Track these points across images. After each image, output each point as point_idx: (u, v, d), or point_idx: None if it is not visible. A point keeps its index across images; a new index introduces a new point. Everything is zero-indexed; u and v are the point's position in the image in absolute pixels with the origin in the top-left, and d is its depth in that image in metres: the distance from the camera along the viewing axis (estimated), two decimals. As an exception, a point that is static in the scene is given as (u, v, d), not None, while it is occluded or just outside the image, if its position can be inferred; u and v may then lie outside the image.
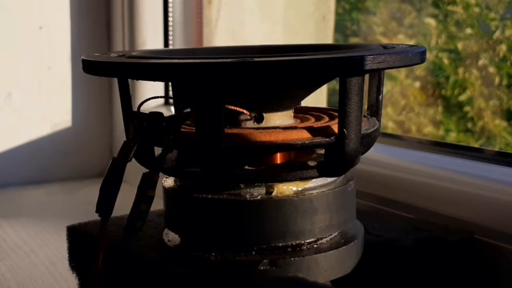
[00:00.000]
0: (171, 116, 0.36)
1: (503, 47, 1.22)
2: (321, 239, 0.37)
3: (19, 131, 0.94)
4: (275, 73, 0.31)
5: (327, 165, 0.36)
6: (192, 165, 0.36)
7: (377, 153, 0.55)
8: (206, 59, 0.32)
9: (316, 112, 0.43)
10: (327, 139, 0.35)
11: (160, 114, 0.34)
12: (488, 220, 0.48)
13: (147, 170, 0.35)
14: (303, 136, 0.35)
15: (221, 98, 0.32)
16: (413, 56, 0.35)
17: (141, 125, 0.34)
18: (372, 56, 0.32)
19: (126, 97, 0.38)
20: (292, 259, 0.35)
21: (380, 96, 0.41)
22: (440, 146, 0.61)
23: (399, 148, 0.61)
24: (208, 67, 0.31)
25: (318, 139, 0.35)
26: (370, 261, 0.40)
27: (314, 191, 0.36)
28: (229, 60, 0.31)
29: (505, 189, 0.49)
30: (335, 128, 0.35)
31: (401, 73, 1.36)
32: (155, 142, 0.35)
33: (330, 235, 0.38)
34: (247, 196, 0.35)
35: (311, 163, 0.37)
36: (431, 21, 1.35)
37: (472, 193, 0.51)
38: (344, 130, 0.34)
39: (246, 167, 0.36)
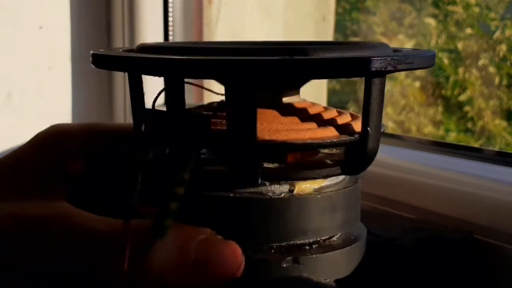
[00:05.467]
0: (202, 115, 0.36)
1: (503, 47, 1.22)
2: (334, 236, 0.37)
3: (19, 131, 0.94)
4: (314, 71, 0.31)
5: (349, 163, 0.36)
6: (219, 163, 0.35)
7: (377, 153, 0.55)
8: (247, 56, 0.31)
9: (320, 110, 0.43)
10: (351, 137, 0.35)
11: (199, 113, 0.34)
12: (488, 220, 0.48)
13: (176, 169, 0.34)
14: (330, 134, 0.35)
15: (255, 95, 0.32)
16: (430, 57, 0.36)
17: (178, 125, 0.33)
18: (398, 57, 0.33)
19: (140, 93, 0.37)
20: (314, 255, 0.35)
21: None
22: (440, 146, 0.61)
23: (399, 148, 0.61)
24: (255, 65, 0.30)
25: (345, 137, 0.35)
26: (370, 260, 0.40)
27: (331, 189, 0.36)
28: (275, 58, 0.31)
29: (505, 189, 0.49)
30: (355, 126, 0.36)
31: (401, 73, 1.36)
32: (185, 142, 0.34)
33: (344, 232, 0.37)
34: (270, 194, 0.35)
35: (330, 162, 0.37)
36: (431, 21, 1.35)
37: (472, 193, 0.51)
38: (368, 128, 0.35)
39: (265, 164, 0.36)
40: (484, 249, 0.47)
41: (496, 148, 1.24)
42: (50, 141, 0.37)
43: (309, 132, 0.35)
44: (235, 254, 0.31)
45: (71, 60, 0.95)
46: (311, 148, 0.36)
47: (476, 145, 1.25)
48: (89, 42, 0.97)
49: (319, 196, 0.35)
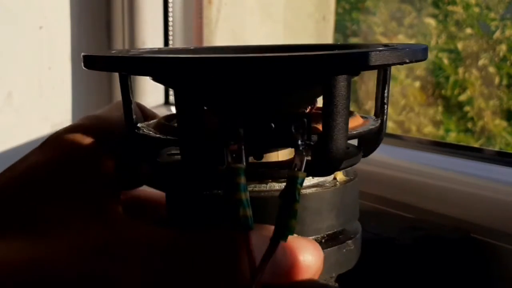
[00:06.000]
0: (302, 113, 0.35)
1: (503, 47, 1.22)
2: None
3: (19, 131, 0.94)
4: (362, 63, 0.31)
5: (367, 147, 0.37)
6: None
7: (377, 153, 0.55)
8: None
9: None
10: (377, 124, 0.36)
11: (306, 114, 0.33)
12: (488, 220, 0.48)
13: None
14: (360, 122, 0.36)
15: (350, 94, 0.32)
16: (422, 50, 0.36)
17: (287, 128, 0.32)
18: (407, 50, 0.33)
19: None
20: (357, 237, 0.35)
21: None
22: (440, 146, 0.61)
23: (399, 148, 0.61)
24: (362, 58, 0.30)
25: (375, 123, 0.36)
26: (369, 259, 0.40)
27: (353, 176, 0.36)
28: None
29: (505, 189, 0.49)
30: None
31: (401, 73, 1.36)
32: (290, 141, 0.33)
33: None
34: (327, 184, 0.34)
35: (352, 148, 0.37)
36: (431, 21, 1.35)
37: (471, 193, 0.51)
38: (385, 115, 0.36)
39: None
40: (484, 249, 0.47)
41: (496, 148, 1.24)
42: (75, 143, 0.35)
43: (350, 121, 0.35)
44: (317, 254, 0.30)
45: (71, 60, 0.96)
46: (365, 136, 0.36)
47: (476, 145, 1.25)
48: (89, 42, 0.97)
49: (357, 179, 0.35)
